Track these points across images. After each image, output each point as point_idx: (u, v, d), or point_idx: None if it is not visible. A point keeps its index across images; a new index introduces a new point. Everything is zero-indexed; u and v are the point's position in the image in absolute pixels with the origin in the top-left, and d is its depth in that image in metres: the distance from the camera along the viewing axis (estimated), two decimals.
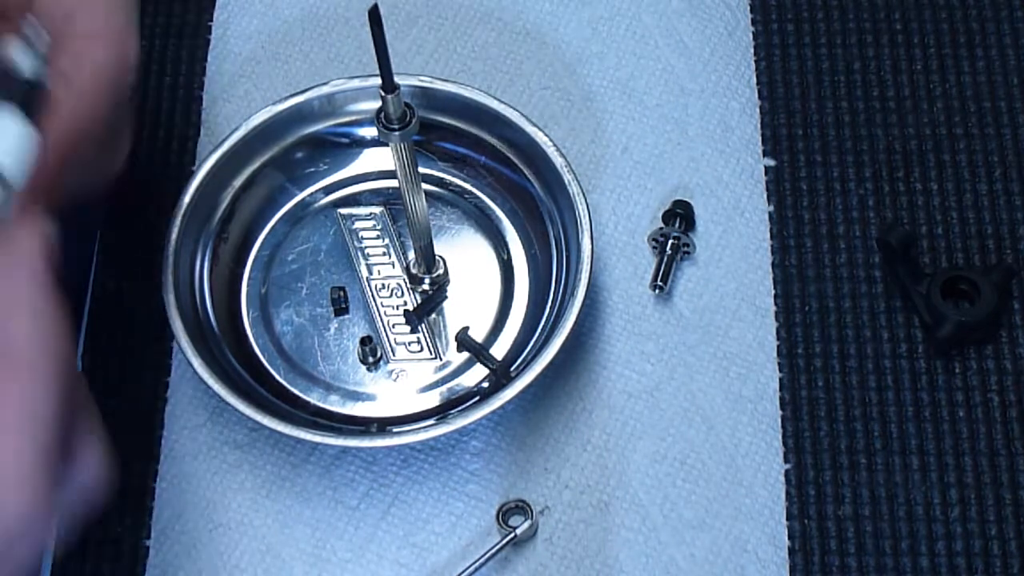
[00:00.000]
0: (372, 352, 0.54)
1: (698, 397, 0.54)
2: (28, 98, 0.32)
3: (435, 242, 0.55)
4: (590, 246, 0.53)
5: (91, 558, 0.52)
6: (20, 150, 0.30)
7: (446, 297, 0.56)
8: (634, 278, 0.56)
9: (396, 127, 0.47)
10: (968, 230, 0.57)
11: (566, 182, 0.54)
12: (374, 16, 0.43)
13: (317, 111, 0.57)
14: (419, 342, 0.55)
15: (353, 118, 0.57)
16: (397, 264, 0.56)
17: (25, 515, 0.36)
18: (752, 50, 0.62)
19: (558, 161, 0.54)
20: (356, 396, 0.54)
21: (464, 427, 0.50)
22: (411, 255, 0.56)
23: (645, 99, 0.60)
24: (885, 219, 0.57)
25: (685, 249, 0.56)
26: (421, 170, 0.52)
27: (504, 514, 0.52)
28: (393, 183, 0.57)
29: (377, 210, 0.58)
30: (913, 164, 0.59)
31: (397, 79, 0.45)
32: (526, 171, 0.56)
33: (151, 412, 0.54)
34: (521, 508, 0.52)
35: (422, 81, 0.56)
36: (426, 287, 0.56)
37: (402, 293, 0.56)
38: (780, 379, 0.54)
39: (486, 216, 0.57)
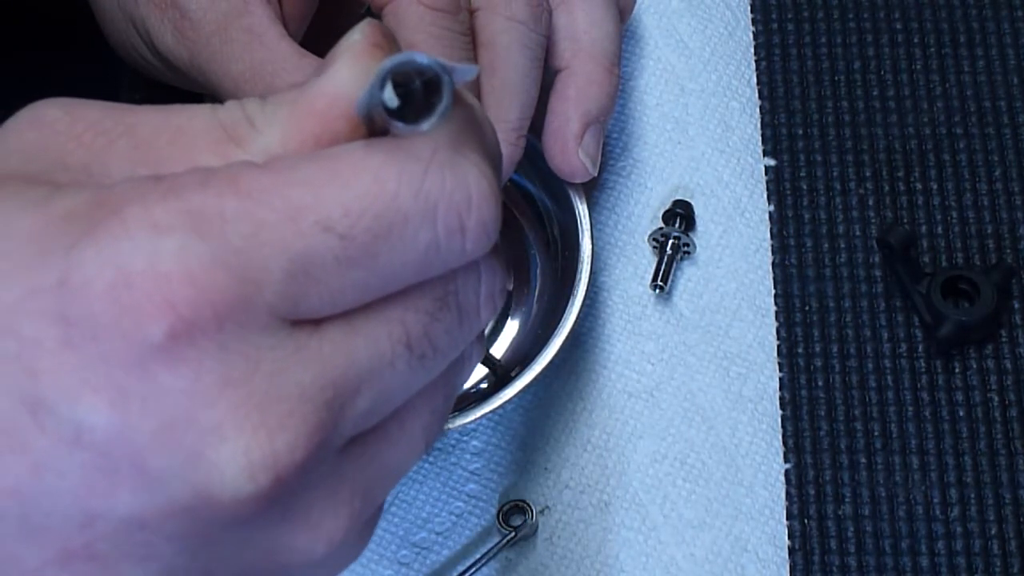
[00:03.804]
0: None
1: (698, 397, 0.54)
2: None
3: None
4: (590, 246, 0.53)
5: None
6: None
7: None
8: (634, 278, 0.56)
9: None
10: (968, 230, 0.57)
11: (566, 182, 0.54)
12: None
13: None
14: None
15: None
16: None
17: (490, 230, 0.31)
18: (752, 50, 0.62)
19: None
20: None
21: (464, 427, 0.50)
22: None
23: (645, 98, 0.60)
24: (885, 219, 0.57)
25: (685, 249, 0.56)
26: None
27: (504, 514, 0.52)
28: None
29: None
30: (913, 164, 0.59)
31: None
32: (525, 170, 0.56)
33: None
34: (521, 508, 0.52)
35: None
36: None
37: None
38: (780, 379, 0.54)
39: None
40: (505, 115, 0.50)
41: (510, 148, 0.50)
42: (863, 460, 0.52)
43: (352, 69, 0.30)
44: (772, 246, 0.57)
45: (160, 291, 0.28)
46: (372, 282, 0.30)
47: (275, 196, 0.29)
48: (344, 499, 0.31)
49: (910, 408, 0.53)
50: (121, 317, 0.28)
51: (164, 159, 0.30)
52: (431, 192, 0.29)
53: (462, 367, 0.35)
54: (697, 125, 0.60)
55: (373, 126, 0.30)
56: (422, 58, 0.28)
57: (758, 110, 0.60)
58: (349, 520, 0.31)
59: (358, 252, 0.29)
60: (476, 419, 0.50)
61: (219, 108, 0.31)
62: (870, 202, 0.58)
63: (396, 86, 0.29)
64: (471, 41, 0.49)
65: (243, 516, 0.29)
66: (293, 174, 0.29)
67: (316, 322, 0.30)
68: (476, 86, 0.49)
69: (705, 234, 0.57)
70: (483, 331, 0.35)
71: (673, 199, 0.57)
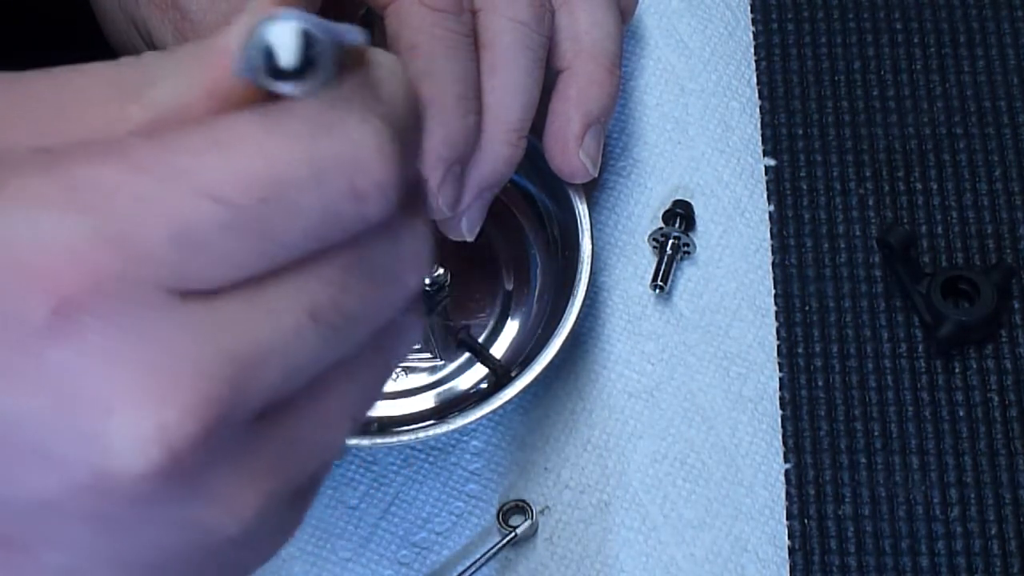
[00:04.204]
0: None
1: (698, 397, 0.54)
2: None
3: (434, 242, 0.55)
4: (590, 246, 0.53)
5: None
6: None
7: (447, 297, 0.56)
8: (634, 278, 0.56)
9: None
10: (968, 230, 0.57)
11: (566, 182, 0.54)
12: (365, 22, 0.43)
13: None
14: (419, 342, 0.55)
15: None
16: None
17: (383, 191, 0.30)
18: (752, 50, 0.62)
19: None
20: None
21: (464, 427, 0.50)
22: None
23: (645, 98, 0.60)
24: (885, 219, 0.57)
25: (685, 249, 0.56)
26: None
27: (504, 514, 0.52)
28: None
29: None
30: (913, 164, 0.59)
31: None
32: (525, 170, 0.56)
33: None
34: (521, 508, 0.52)
35: None
36: (426, 286, 0.56)
37: None
38: (780, 379, 0.54)
39: (485, 216, 0.57)
40: (506, 116, 0.49)
41: (511, 149, 0.50)
42: (863, 460, 0.52)
43: (249, 26, 0.29)
44: (772, 246, 0.57)
45: (42, 268, 0.27)
46: (267, 251, 0.29)
47: (159, 166, 0.28)
48: (256, 475, 0.30)
49: (910, 408, 0.53)
50: (3, 296, 0.27)
51: (61, 119, 0.30)
52: (319, 156, 0.29)
53: (393, 340, 0.34)
54: (697, 125, 0.60)
55: (261, 86, 0.30)
56: (292, 18, 0.28)
57: (758, 110, 0.60)
58: (262, 498, 0.31)
59: (246, 221, 0.28)
60: (476, 419, 0.50)
61: (114, 66, 0.31)
62: (870, 202, 0.58)
63: (307, 48, 0.28)
64: (474, 42, 0.49)
65: (145, 493, 0.29)
66: (178, 143, 0.28)
67: (213, 294, 0.29)
68: (478, 87, 0.49)
69: (705, 234, 0.57)
70: (417, 301, 0.34)
71: (673, 199, 0.57)
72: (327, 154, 0.29)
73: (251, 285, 0.29)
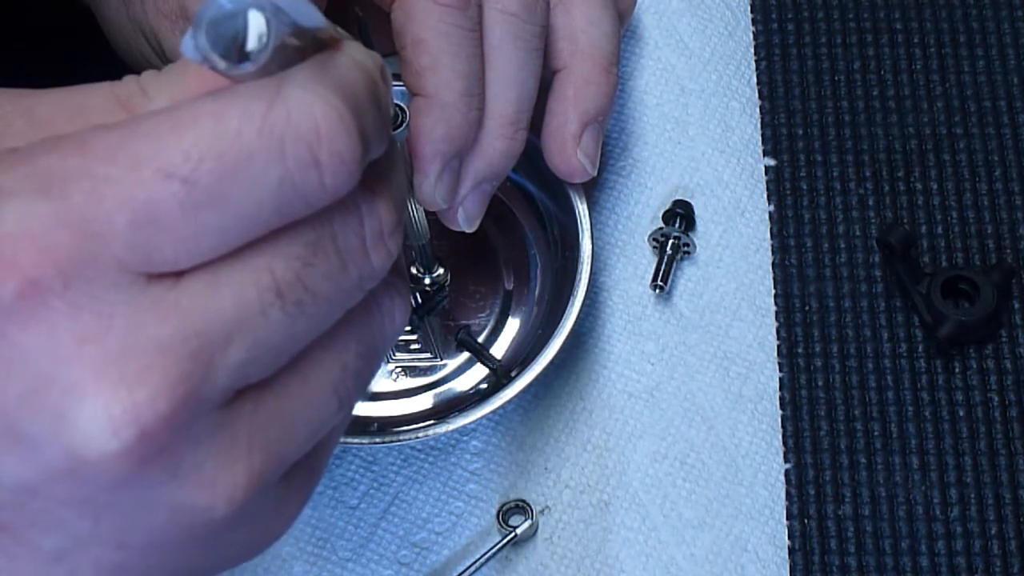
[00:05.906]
0: None
1: (698, 397, 0.54)
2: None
3: (434, 241, 0.55)
4: (590, 246, 0.53)
5: None
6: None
7: (446, 297, 0.56)
8: (634, 278, 0.56)
9: None
10: (968, 230, 0.57)
11: (565, 181, 0.54)
12: (363, 22, 0.43)
13: None
14: (419, 342, 0.55)
15: None
16: None
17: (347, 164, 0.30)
18: (752, 50, 0.62)
19: None
20: None
21: (464, 427, 0.50)
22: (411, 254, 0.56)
23: (645, 98, 0.60)
24: (885, 219, 0.57)
25: (685, 249, 0.56)
26: None
27: (504, 514, 0.52)
28: None
29: None
30: (913, 164, 0.59)
31: None
32: (525, 170, 0.56)
33: None
34: (521, 508, 0.52)
35: None
36: (426, 286, 0.56)
37: None
38: (780, 379, 0.54)
39: (485, 215, 0.57)
40: (501, 109, 0.49)
41: (507, 142, 0.50)
42: (863, 460, 0.52)
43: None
44: (772, 246, 0.57)
45: (4, 253, 0.28)
46: (228, 226, 0.29)
47: (116, 150, 0.29)
48: (239, 455, 0.31)
49: (910, 408, 0.53)
50: None
51: (61, 130, 0.30)
52: (275, 127, 0.29)
53: (375, 320, 0.34)
54: (697, 125, 0.60)
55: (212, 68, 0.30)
56: (236, 1, 0.28)
57: (758, 110, 0.60)
58: (248, 477, 0.31)
59: (204, 196, 0.29)
60: (476, 419, 0.50)
61: (117, 83, 0.31)
62: (870, 202, 0.58)
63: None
64: (479, 37, 0.49)
65: (121, 475, 0.29)
66: (137, 129, 0.29)
67: (179, 275, 0.29)
68: (482, 83, 0.49)
69: (705, 234, 0.57)
70: (401, 282, 0.35)
71: (673, 199, 0.57)
72: (286, 127, 0.29)
73: (216, 263, 0.30)
